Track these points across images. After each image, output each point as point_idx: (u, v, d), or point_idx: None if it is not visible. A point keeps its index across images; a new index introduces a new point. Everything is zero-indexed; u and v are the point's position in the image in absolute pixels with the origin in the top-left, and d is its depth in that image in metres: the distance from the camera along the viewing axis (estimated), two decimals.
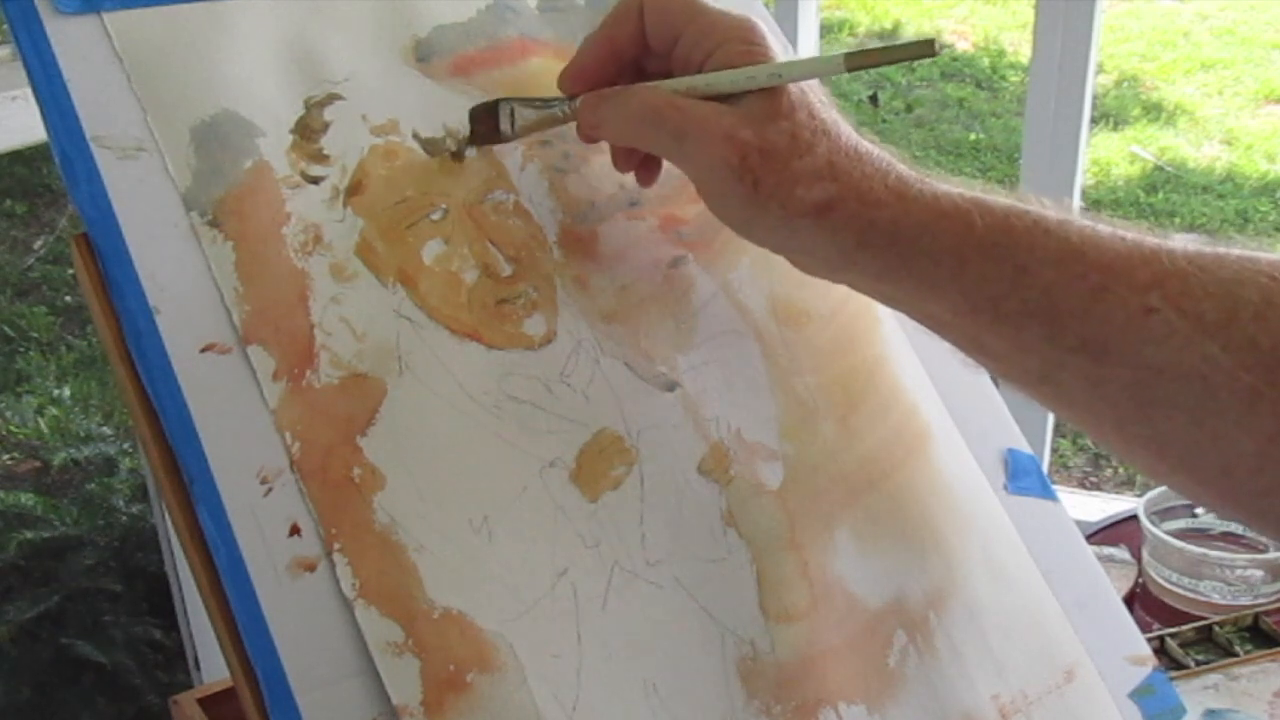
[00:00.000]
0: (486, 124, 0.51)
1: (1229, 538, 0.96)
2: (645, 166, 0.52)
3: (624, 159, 0.52)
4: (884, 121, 3.56)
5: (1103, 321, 0.39)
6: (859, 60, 0.43)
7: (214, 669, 1.31)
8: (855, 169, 0.43)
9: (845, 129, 0.44)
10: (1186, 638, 0.86)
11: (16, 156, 2.72)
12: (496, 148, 0.53)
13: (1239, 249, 0.39)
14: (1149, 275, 0.39)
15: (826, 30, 4.00)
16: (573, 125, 0.52)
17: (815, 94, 0.45)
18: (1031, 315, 0.40)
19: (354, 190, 0.50)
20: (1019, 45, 3.81)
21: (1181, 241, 0.40)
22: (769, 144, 0.43)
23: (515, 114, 0.51)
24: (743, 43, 0.45)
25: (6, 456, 1.94)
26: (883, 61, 0.44)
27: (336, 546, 0.44)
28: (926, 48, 0.42)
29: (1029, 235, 0.41)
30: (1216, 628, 0.86)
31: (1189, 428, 0.38)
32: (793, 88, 0.44)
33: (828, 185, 0.42)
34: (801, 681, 0.48)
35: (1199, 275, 0.38)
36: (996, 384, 0.58)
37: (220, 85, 0.50)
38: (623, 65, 0.49)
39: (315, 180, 0.50)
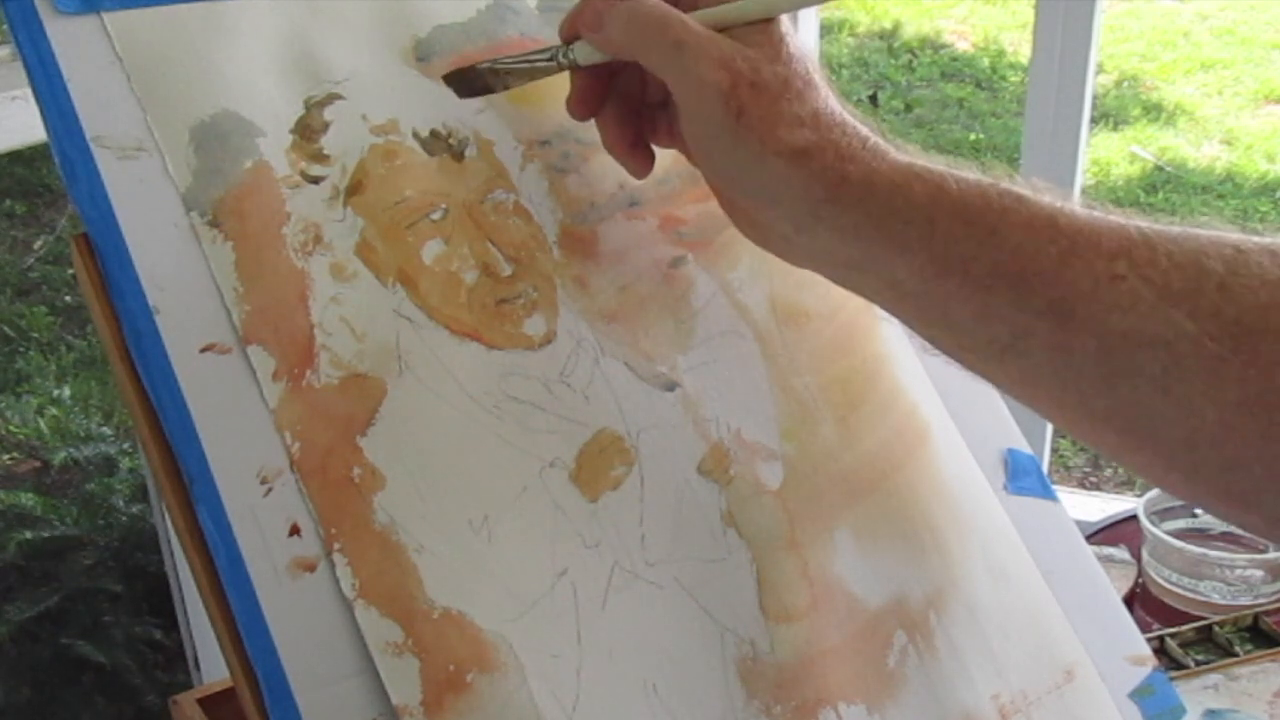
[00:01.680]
0: (468, 83, 0.51)
1: (1229, 538, 0.96)
2: (637, 152, 0.51)
3: (583, 100, 0.50)
4: (884, 121, 3.55)
5: (1070, 286, 0.39)
6: None
7: (214, 669, 1.31)
8: (836, 126, 0.43)
9: (834, 97, 0.45)
10: (1186, 638, 0.86)
11: (16, 156, 2.72)
12: (496, 149, 0.53)
13: (1205, 228, 0.40)
14: (1116, 243, 0.39)
15: (826, 30, 4.00)
16: (575, 127, 0.52)
17: (814, 61, 0.45)
18: (1000, 277, 0.40)
19: (354, 190, 0.50)
20: (1019, 45, 3.81)
21: (1149, 220, 0.40)
22: (761, 80, 0.44)
23: (499, 68, 0.51)
24: None
25: (6, 456, 1.94)
26: None
27: (336, 546, 0.44)
28: None
29: (1001, 201, 0.41)
30: (1216, 628, 0.86)
31: (1154, 396, 0.38)
32: (794, 43, 0.45)
33: (808, 133, 0.43)
34: (801, 681, 0.48)
35: (1166, 245, 0.39)
36: None
37: (220, 85, 0.50)
38: None
39: (315, 180, 0.50)
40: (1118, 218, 0.40)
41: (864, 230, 0.43)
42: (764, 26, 0.45)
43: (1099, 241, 0.39)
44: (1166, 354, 0.37)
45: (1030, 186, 0.42)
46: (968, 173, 0.42)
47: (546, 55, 0.50)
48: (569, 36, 0.49)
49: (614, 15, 0.47)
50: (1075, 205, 0.41)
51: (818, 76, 0.45)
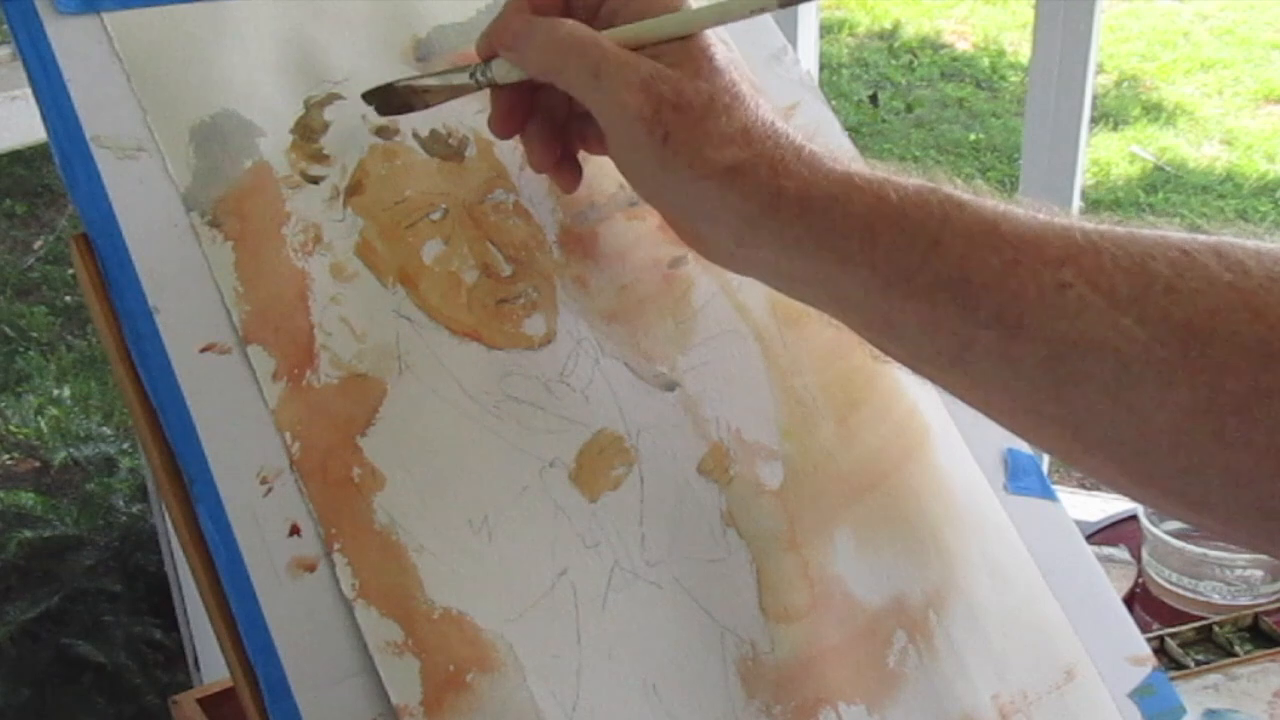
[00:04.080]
0: (388, 100, 0.50)
1: None
2: (565, 166, 0.50)
3: (505, 118, 0.49)
4: (884, 121, 3.56)
5: (1016, 295, 0.38)
6: None
7: (214, 669, 1.31)
8: (769, 139, 0.42)
9: (764, 105, 0.44)
10: (1186, 638, 0.86)
11: (16, 156, 2.73)
12: (496, 149, 0.53)
13: (1150, 228, 0.39)
14: (1061, 250, 0.38)
15: (826, 30, 4.00)
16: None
17: (740, 68, 0.44)
18: (944, 288, 0.39)
19: (354, 190, 0.50)
20: (1019, 45, 3.81)
21: (1094, 221, 0.40)
22: (685, 100, 0.43)
23: (417, 86, 0.50)
24: (670, 10, 0.44)
25: (6, 456, 1.94)
26: None
27: (336, 546, 0.44)
28: None
29: (942, 209, 0.40)
30: (1216, 628, 0.86)
31: (1104, 403, 0.37)
32: (718, 54, 0.44)
33: (738, 150, 0.42)
34: (801, 681, 0.48)
35: (1111, 250, 0.38)
36: None
37: (220, 85, 0.50)
38: None
39: (315, 180, 0.50)
40: (1062, 220, 0.39)
41: (804, 244, 0.42)
42: (684, 42, 0.44)
43: (1044, 248, 0.38)
44: (1115, 360, 0.37)
45: (972, 190, 0.41)
46: (908, 179, 0.41)
47: (465, 73, 0.49)
48: (486, 54, 0.48)
49: (530, 35, 0.46)
50: (1017, 209, 0.40)
51: (745, 87, 0.44)
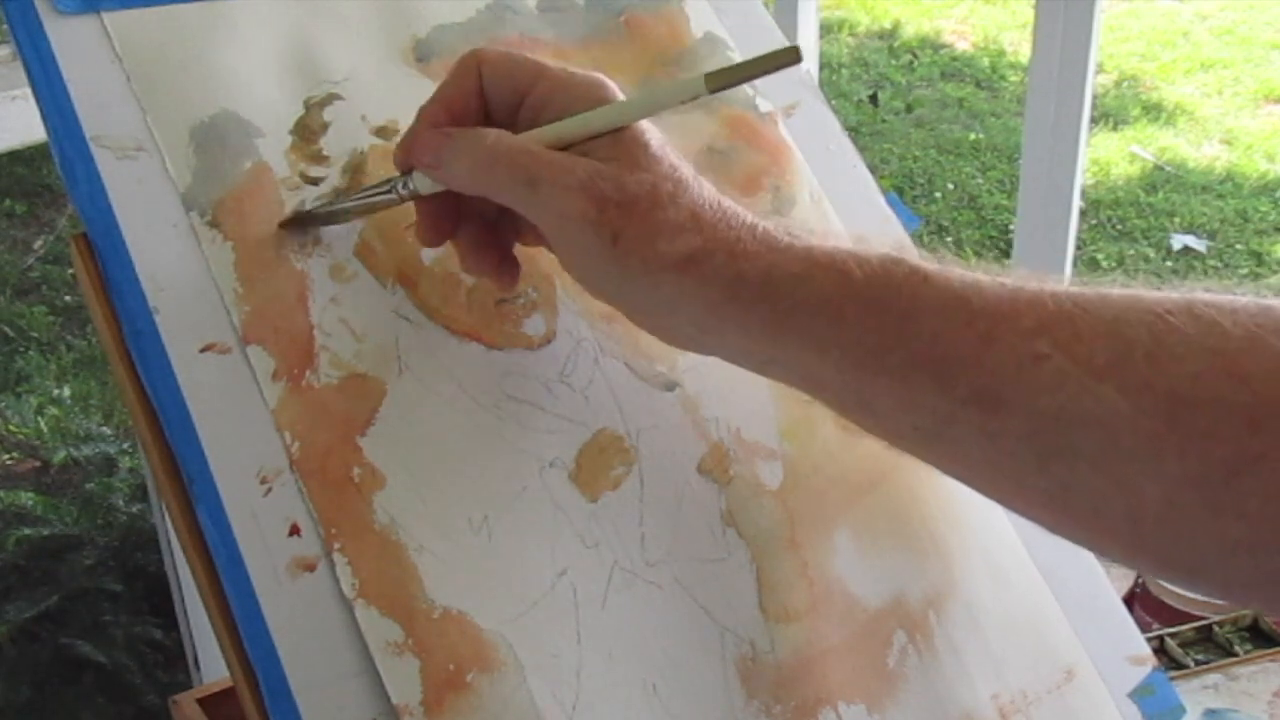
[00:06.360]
0: (303, 225, 0.49)
1: None
2: (504, 267, 0.48)
3: (433, 229, 0.47)
4: (884, 121, 3.56)
5: (994, 370, 0.37)
6: (720, 79, 0.40)
7: (214, 669, 1.32)
8: (720, 222, 0.41)
9: (706, 185, 0.42)
10: (1186, 638, 0.86)
11: (16, 156, 2.73)
12: None
13: (1120, 289, 0.38)
14: (1035, 320, 0.37)
15: (826, 30, 4.00)
16: None
17: (673, 149, 0.43)
18: (919, 367, 0.38)
19: (353, 191, 0.50)
20: (1019, 45, 3.82)
21: (1063, 285, 0.39)
22: (628, 195, 0.41)
23: (337, 210, 0.48)
24: (596, 101, 0.43)
25: (6, 456, 1.94)
26: (746, 76, 0.40)
27: (336, 546, 0.44)
28: (791, 55, 0.39)
29: (909, 283, 0.39)
30: (1216, 628, 0.86)
31: (1091, 477, 0.36)
32: (652, 140, 0.42)
33: (691, 238, 0.40)
34: (801, 681, 0.48)
35: (1085, 317, 0.37)
36: None
37: (220, 85, 0.50)
38: None
39: (315, 181, 0.50)
40: (1030, 287, 0.38)
41: (769, 327, 0.40)
42: (616, 134, 0.42)
43: (1017, 319, 0.37)
44: (1101, 432, 0.36)
45: (935, 259, 0.40)
46: (869, 251, 0.40)
47: (385, 188, 0.46)
48: (405, 166, 0.46)
49: (453, 152, 0.43)
50: (983, 278, 0.39)
51: (686, 170, 0.42)
